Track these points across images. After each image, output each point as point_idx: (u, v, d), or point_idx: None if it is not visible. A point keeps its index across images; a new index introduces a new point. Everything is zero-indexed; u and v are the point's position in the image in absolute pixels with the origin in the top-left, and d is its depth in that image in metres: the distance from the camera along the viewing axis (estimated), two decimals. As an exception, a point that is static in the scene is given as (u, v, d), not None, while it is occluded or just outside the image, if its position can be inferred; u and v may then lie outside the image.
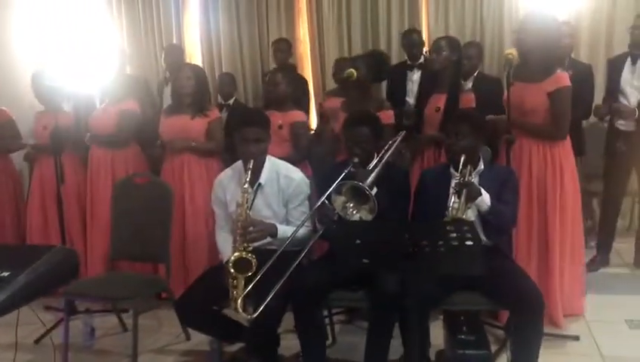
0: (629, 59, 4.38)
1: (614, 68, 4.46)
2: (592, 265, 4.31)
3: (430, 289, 2.70)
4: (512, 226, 3.10)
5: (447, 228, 2.19)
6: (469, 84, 4.34)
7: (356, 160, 3.06)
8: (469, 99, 3.84)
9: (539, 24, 3.35)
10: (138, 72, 5.89)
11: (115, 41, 6.23)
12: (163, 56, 5.61)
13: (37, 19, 5.93)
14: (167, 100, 4.93)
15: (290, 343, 3.25)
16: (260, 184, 3.12)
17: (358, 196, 2.80)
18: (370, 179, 2.85)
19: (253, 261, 2.72)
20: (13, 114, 4.72)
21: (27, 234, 4.51)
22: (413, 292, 2.65)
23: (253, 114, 3.53)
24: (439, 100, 3.79)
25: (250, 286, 2.68)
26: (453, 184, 2.91)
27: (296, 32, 6.15)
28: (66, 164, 4.09)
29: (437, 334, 3.03)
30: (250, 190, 2.97)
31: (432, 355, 3.05)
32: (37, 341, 3.65)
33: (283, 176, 3.14)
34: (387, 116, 3.81)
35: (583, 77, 4.28)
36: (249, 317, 2.66)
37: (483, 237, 2.86)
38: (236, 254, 2.76)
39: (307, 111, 5.14)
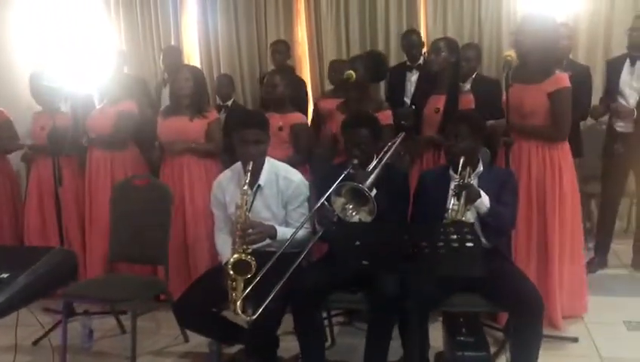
0: (627, 60, 4.39)
1: (613, 69, 4.47)
2: (590, 267, 4.31)
3: (430, 290, 2.70)
4: (512, 228, 3.10)
5: (448, 229, 2.19)
6: (468, 86, 4.34)
7: (355, 161, 3.06)
8: (468, 100, 3.84)
9: (537, 26, 3.35)
10: (136, 73, 5.87)
11: (113, 41, 6.22)
12: (161, 57, 5.61)
13: (35, 19, 5.92)
14: (165, 101, 4.93)
15: (289, 345, 3.25)
16: (259, 186, 3.11)
17: (358, 198, 2.80)
18: (369, 181, 2.85)
19: (253, 263, 2.71)
20: (11, 114, 4.71)
21: (25, 235, 4.50)
22: (412, 294, 2.65)
23: (252, 115, 3.53)
24: (438, 101, 3.79)
25: (250, 288, 2.67)
26: (452, 186, 2.92)
27: (295, 33, 6.14)
28: (64, 166, 4.08)
29: (436, 336, 3.03)
30: (249, 192, 2.97)
31: (431, 357, 3.05)
32: (35, 342, 3.65)
33: (282, 177, 3.14)
34: (386, 116, 3.81)
35: (580, 78, 4.29)
36: (248, 318, 2.66)
37: (482, 239, 2.85)
38: (235, 256, 2.75)
39: (306, 113, 5.14)
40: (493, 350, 3.01)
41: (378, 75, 4.20)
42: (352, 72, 3.76)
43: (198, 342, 3.49)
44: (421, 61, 5.09)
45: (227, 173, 3.28)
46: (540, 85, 3.32)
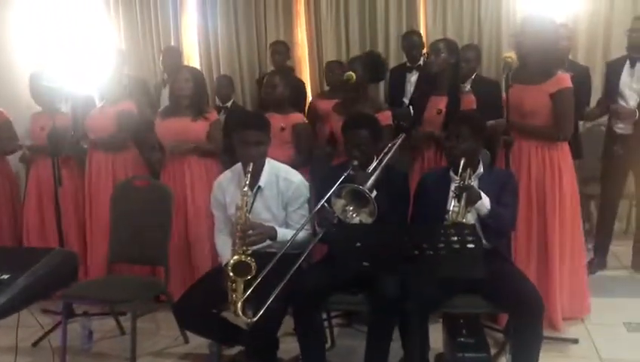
0: (627, 62, 4.39)
1: (613, 71, 4.47)
2: (590, 268, 4.30)
3: (430, 292, 2.70)
4: (512, 229, 3.11)
5: (448, 231, 2.19)
6: (468, 87, 4.34)
7: (356, 163, 3.05)
8: (469, 101, 3.84)
9: (537, 27, 3.35)
10: (135, 73, 5.86)
11: (112, 41, 6.22)
12: (161, 58, 5.61)
13: (35, 19, 5.91)
14: (165, 102, 4.92)
15: (289, 346, 3.25)
16: (259, 187, 3.11)
17: (358, 199, 2.79)
18: (370, 182, 2.85)
19: (253, 264, 2.71)
20: (11, 115, 4.70)
21: (24, 235, 4.49)
22: (413, 295, 2.64)
23: (253, 116, 3.53)
24: (439, 102, 3.78)
25: (250, 290, 2.67)
26: (452, 187, 2.91)
27: (294, 34, 6.14)
28: (62, 166, 4.07)
29: (436, 337, 3.03)
30: (249, 193, 2.96)
31: (432, 358, 3.05)
32: (35, 344, 3.64)
33: (282, 178, 3.14)
34: (385, 117, 3.82)
35: (580, 79, 4.28)
36: (249, 320, 2.65)
37: (483, 241, 2.85)
38: (235, 257, 2.75)
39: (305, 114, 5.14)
40: (493, 351, 3.01)
41: (377, 76, 4.19)
42: (351, 73, 3.76)
43: (198, 343, 3.49)
44: (421, 62, 5.08)
45: (227, 174, 3.28)
46: (541, 86, 3.32)
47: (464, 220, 2.76)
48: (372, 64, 4.04)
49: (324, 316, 3.33)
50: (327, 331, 3.38)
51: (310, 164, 4.01)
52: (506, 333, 3.28)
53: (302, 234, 2.97)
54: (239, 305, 2.67)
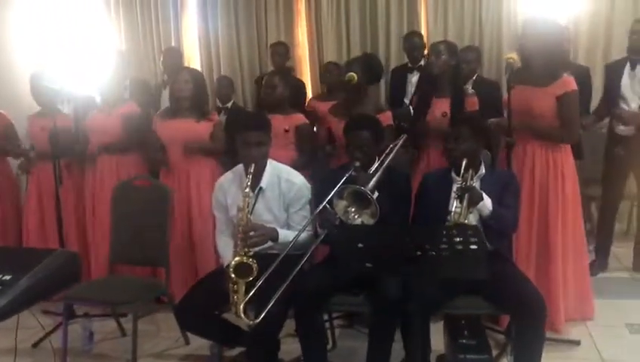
0: (627, 64, 4.38)
1: (613, 73, 4.46)
2: (591, 270, 4.28)
3: (432, 293, 2.70)
4: (514, 230, 3.10)
5: (451, 232, 2.18)
6: (469, 88, 4.34)
7: (357, 164, 3.05)
8: (472, 103, 3.84)
9: (540, 29, 3.34)
10: (136, 74, 5.86)
11: (113, 43, 6.21)
12: (161, 59, 5.61)
13: (35, 20, 5.91)
14: (165, 103, 4.91)
15: (290, 347, 3.25)
16: (261, 188, 3.10)
17: (360, 200, 2.79)
18: (371, 183, 2.84)
19: (254, 266, 2.69)
20: (11, 115, 4.68)
21: (24, 236, 4.48)
22: (415, 296, 2.63)
23: (255, 117, 3.52)
24: (442, 105, 3.77)
25: (252, 292, 2.66)
26: (454, 188, 2.92)
27: (295, 35, 6.14)
28: (63, 167, 4.07)
29: (437, 339, 3.02)
30: (251, 194, 2.95)
31: (433, 359, 3.04)
32: (35, 345, 3.64)
33: (284, 180, 3.13)
34: (386, 118, 3.81)
35: (580, 80, 4.23)
36: (251, 322, 2.64)
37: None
38: (237, 259, 2.73)
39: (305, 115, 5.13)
40: (494, 353, 3.00)
41: (374, 78, 4.19)
42: (353, 74, 3.76)
43: (199, 344, 3.48)
44: (422, 63, 5.08)
45: (228, 175, 3.27)
46: (547, 88, 3.31)
47: (466, 221, 2.76)
48: (369, 66, 4.04)
49: (326, 317, 3.33)
50: (329, 332, 3.38)
51: (312, 166, 4.01)
52: (507, 335, 3.28)
53: (304, 236, 2.96)
54: (241, 306, 2.66)
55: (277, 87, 4.02)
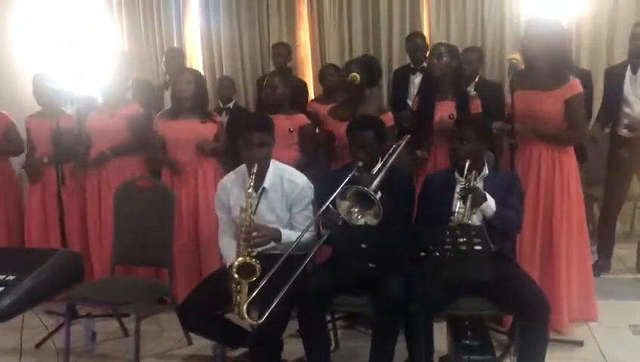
0: (628, 68, 4.37)
1: (614, 78, 4.45)
2: (594, 271, 4.28)
3: (436, 293, 2.70)
4: (517, 231, 3.10)
5: (454, 233, 2.18)
6: (472, 90, 4.33)
7: (360, 164, 3.05)
8: (476, 105, 3.83)
9: (542, 30, 3.34)
10: (138, 75, 5.86)
11: (115, 43, 6.21)
12: (163, 59, 5.60)
13: (37, 20, 5.91)
14: (167, 104, 4.91)
15: (293, 348, 3.25)
16: (263, 188, 3.10)
17: (363, 201, 2.78)
18: (374, 184, 2.84)
19: (257, 266, 2.69)
20: (13, 115, 4.68)
21: (26, 236, 4.48)
22: (418, 297, 2.64)
23: (258, 118, 3.52)
24: (445, 107, 3.76)
25: (256, 292, 2.66)
26: (458, 189, 2.90)
27: (297, 35, 6.13)
28: (66, 169, 4.08)
29: (440, 339, 3.01)
30: (254, 194, 2.95)
31: (436, 360, 3.04)
32: (38, 345, 3.64)
33: (287, 180, 3.13)
34: (387, 118, 3.81)
35: (582, 83, 4.27)
36: (254, 322, 2.64)
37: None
38: (240, 259, 2.73)
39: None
40: (497, 353, 3.00)
41: (374, 79, 4.19)
42: (356, 75, 3.76)
43: (202, 344, 3.48)
44: (425, 64, 5.08)
45: (231, 175, 3.27)
46: (554, 92, 3.30)
47: (469, 222, 2.76)
48: (369, 67, 4.04)
49: (328, 318, 3.32)
50: (331, 333, 3.37)
51: (314, 167, 4.01)
52: (510, 335, 3.28)
53: (306, 236, 2.96)
54: (244, 307, 2.66)
55: (277, 88, 4.02)
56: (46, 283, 2.03)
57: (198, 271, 3.96)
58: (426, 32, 5.69)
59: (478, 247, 2.06)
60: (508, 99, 3.37)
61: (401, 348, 2.91)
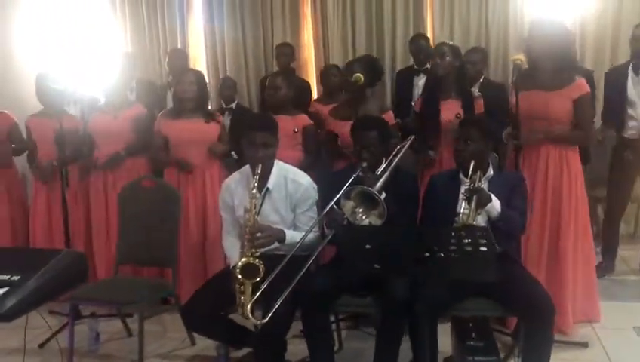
0: (630, 69, 4.36)
1: (616, 80, 4.43)
2: (598, 272, 4.27)
3: (441, 294, 2.69)
4: (522, 233, 3.08)
5: (459, 233, 2.17)
6: (476, 91, 4.33)
7: (364, 164, 3.04)
8: (479, 105, 3.83)
9: (546, 30, 3.33)
10: (142, 75, 5.86)
11: (119, 44, 6.22)
12: (167, 60, 5.61)
13: (40, 21, 5.92)
14: (170, 104, 4.91)
15: (296, 348, 3.25)
16: (267, 189, 3.10)
17: (367, 201, 2.78)
18: (379, 184, 2.84)
19: (261, 267, 2.68)
20: (15, 115, 4.68)
21: (30, 237, 4.48)
22: (423, 298, 2.63)
23: (262, 118, 3.51)
24: (449, 106, 3.76)
25: (259, 293, 2.65)
26: (462, 190, 2.90)
27: (301, 36, 6.13)
28: (70, 169, 4.09)
29: (444, 341, 3.00)
30: (258, 195, 2.95)
31: (440, 361, 3.04)
32: (42, 345, 3.64)
33: (291, 180, 3.13)
34: (388, 117, 3.81)
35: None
36: (258, 323, 2.63)
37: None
38: (244, 260, 2.73)
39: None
40: (502, 355, 2.99)
41: (376, 78, 4.19)
42: (360, 75, 3.75)
43: (205, 345, 3.48)
44: (428, 65, 5.07)
45: (235, 176, 3.27)
46: (562, 91, 3.30)
47: (474, 223, 2.75)
48: (371, 67, 4.03)
49: (332, 318, 3.32)
50: (335, 333, 3.37)
51: (317, 167, 4.01)
52: (514, 337, 3.27)
53: (310, 236, 2.95)
54: (248, 307, 2.65)
55: (280, 88, 4.02)
56: (50, 284, 2.02)
57: (203, 271, 3.95)
58: (429, 34, 5.69)
59: (483, 248, 2.05)
60: (513, 99, 3.36)
61: (405, 349, 2.91)
